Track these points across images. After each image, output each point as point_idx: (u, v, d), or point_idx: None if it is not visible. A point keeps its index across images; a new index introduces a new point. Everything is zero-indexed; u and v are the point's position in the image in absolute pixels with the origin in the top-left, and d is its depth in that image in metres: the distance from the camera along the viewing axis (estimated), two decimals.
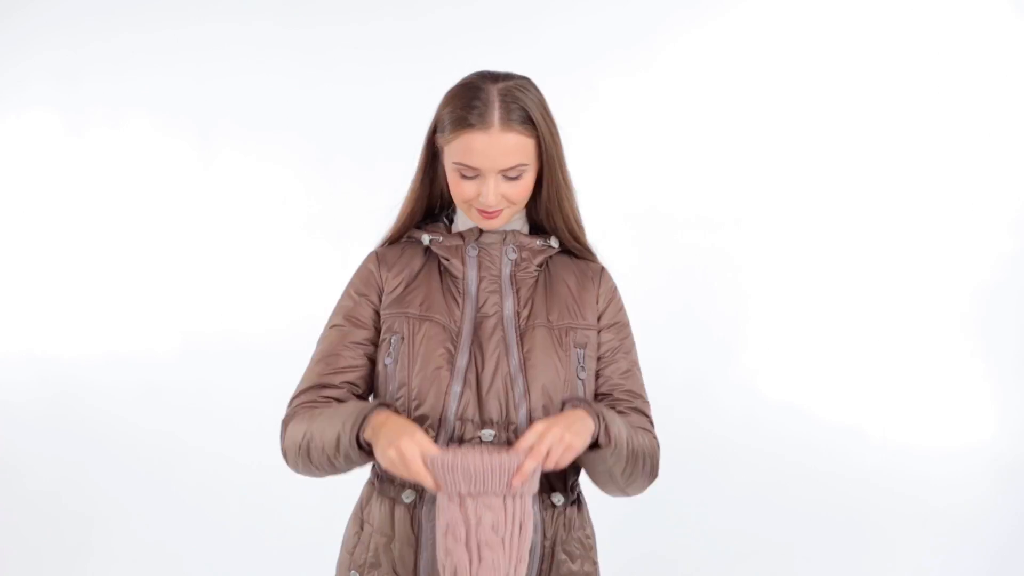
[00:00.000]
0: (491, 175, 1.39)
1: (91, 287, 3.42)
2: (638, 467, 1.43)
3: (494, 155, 1.37)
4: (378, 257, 1.53)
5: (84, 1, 3.31)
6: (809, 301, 3.09)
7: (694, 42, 3.10)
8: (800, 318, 3.09)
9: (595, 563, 1.55)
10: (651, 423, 1.52)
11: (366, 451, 1.34)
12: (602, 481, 1.45)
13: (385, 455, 1.27)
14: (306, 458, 1.42)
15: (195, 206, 3.36)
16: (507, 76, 1.43)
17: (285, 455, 1.49)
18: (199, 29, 3.27)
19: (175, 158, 3.37)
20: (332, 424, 1.37)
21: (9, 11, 3.36)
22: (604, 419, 1.35)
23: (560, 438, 1.27)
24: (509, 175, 1.40)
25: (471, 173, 1.40)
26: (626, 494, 1.49)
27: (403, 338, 1.45)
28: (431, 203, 1.55)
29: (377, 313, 1.50)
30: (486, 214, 1.43)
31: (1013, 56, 3.00)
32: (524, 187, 1.43)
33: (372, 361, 1.51)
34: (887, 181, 3.06)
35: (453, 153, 1.40)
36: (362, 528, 1.51)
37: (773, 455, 3.03)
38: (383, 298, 1.50)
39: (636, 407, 1.50)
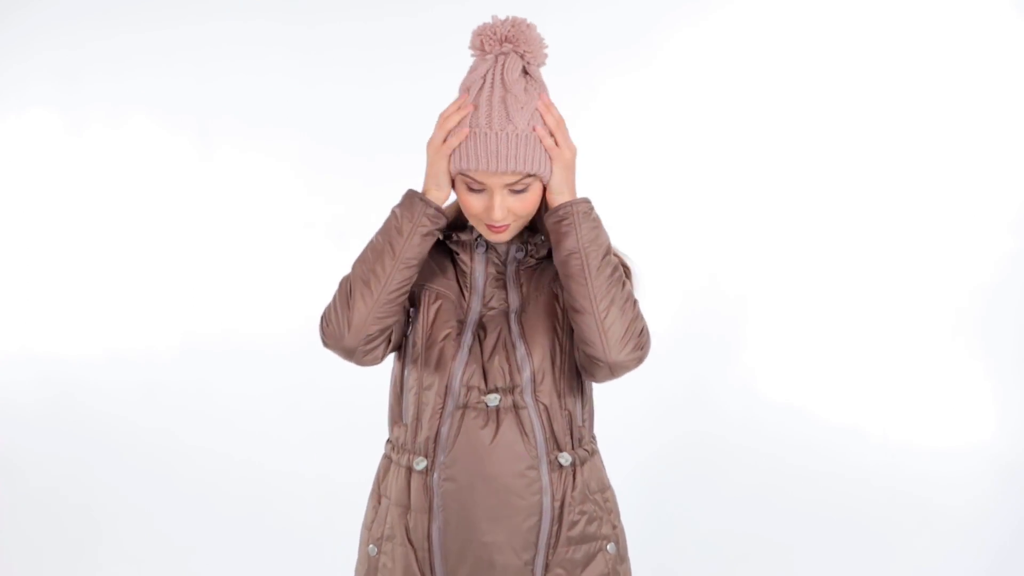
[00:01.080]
0: (497, 189, 1.40)
1: (91, 286, 3.44)
2: (615, 280, 1.43)
3: (500, 176, 1.40)
4: None
5: (84, 0, 3.34)
6: (809, 301, 3.10)
7: (691, 41, 3.12)
8: (799, 318, 3.11)
9: (615, 526, 1.56)
10: None
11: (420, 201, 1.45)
12: (580, 294, 1.41)
13: (431, 152, 1.43)
14: (352, 283, 1.45)
15: (195, 205, 3.38)
16: None
17: (324, 314, 1.48)
18: (198, 28, 3.30)
19: (175, 157, 3.39)
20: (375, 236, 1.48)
21: (9, 11, 3.39)
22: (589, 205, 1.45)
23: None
24: (515, 188, 1.41)
25: (477, 186, 1.42)
26: (606, 337, 1.42)
27: (418, 308, 1.51)
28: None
29: None
30: (494, 228, 1.44)
31: (1013, 55, 3.02)
32: (531, 201, 1.44)
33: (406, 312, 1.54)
34: (887, 180, 3.07)
35: (462, 170, 1.42)
36: (379, 503, 1.56)
37: (773, 456, 3.04)
38: None
39: None
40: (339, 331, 1.44)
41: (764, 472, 3.03)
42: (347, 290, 1.45)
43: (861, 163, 3.07)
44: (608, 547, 1.52)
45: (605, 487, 1.56)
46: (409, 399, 1.51)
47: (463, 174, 1.42)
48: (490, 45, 1.42)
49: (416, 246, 1.43)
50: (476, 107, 1.40)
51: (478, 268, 1.52)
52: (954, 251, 3.05)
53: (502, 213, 1.41)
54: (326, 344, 1.48)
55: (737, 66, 3.10)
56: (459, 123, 1.40)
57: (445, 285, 1.52)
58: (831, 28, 3.06)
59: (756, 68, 3.09)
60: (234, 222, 3.36)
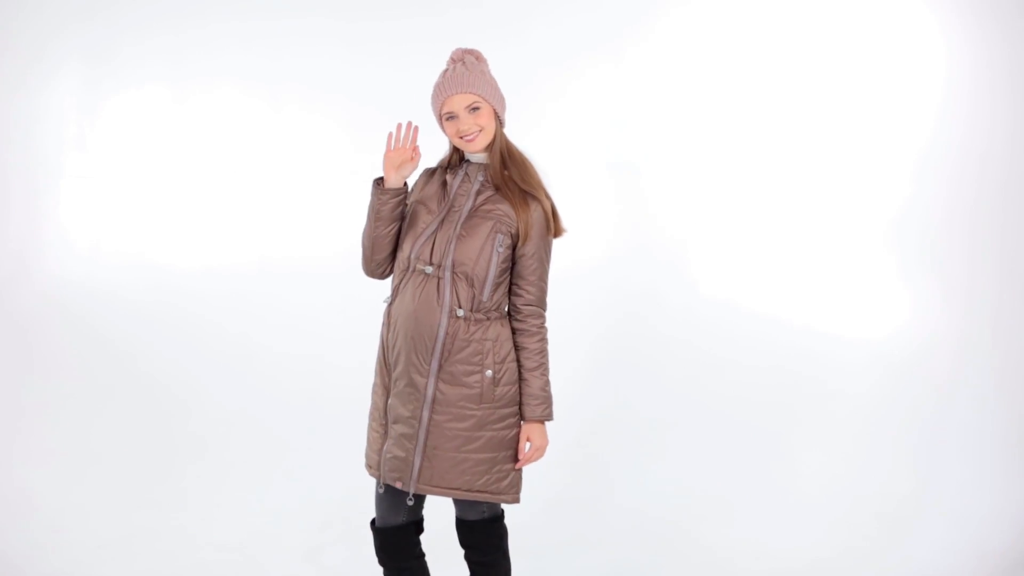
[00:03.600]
0: (462, 112, 2.13)
1: (191, 214, 4.17)
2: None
3: (461, 101, 2.13)
4: (421, 175, 2.30)
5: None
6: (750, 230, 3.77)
7: (656, 35, 3.78)
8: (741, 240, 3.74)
9: (498, 364, 2.13)
10: (544, 313, 2.20)
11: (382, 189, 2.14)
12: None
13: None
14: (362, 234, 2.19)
15: (267, 154, 4.10)
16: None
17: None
18: (270, 23, 4.03)
19: (253, 117, 4.12)
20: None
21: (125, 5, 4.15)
22: (548, 415, 2.16)
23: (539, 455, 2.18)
24: (473, 107, 2.13)
25: (450, 114, 2.14)
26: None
27: (408, 207, 2.21)
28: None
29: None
30: (467, 138, 2.12)
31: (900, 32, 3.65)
32: (485, 116, 2.10)
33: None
34: (817, 125, 3.71)
35: (442, 109, 2.14)
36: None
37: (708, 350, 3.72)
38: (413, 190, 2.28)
39: (539, 301, 2.20)
40: (362, 264, 2.25)
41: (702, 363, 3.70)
42: (361, 238, 2.23)
43: (798, 107, 3.72)
44: (487, 372, 2.13)
45: (501, 342, 2.14)
46: (399, 257, 2.19)
47: (444, 113, 2.12)
48: (457, 54, 2.16)
49: (384, 207, 2.17)
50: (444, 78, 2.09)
51: (454, 184, 2.18)
52: (871, 171, 3.65)
53: (467, 124, 2.13)
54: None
55: (681, 46, 3.77)
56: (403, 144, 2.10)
57: (430, 199, 2.17)
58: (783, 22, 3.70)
59: (697, 39, 3.76)
60: (297, 168, 4.05)
